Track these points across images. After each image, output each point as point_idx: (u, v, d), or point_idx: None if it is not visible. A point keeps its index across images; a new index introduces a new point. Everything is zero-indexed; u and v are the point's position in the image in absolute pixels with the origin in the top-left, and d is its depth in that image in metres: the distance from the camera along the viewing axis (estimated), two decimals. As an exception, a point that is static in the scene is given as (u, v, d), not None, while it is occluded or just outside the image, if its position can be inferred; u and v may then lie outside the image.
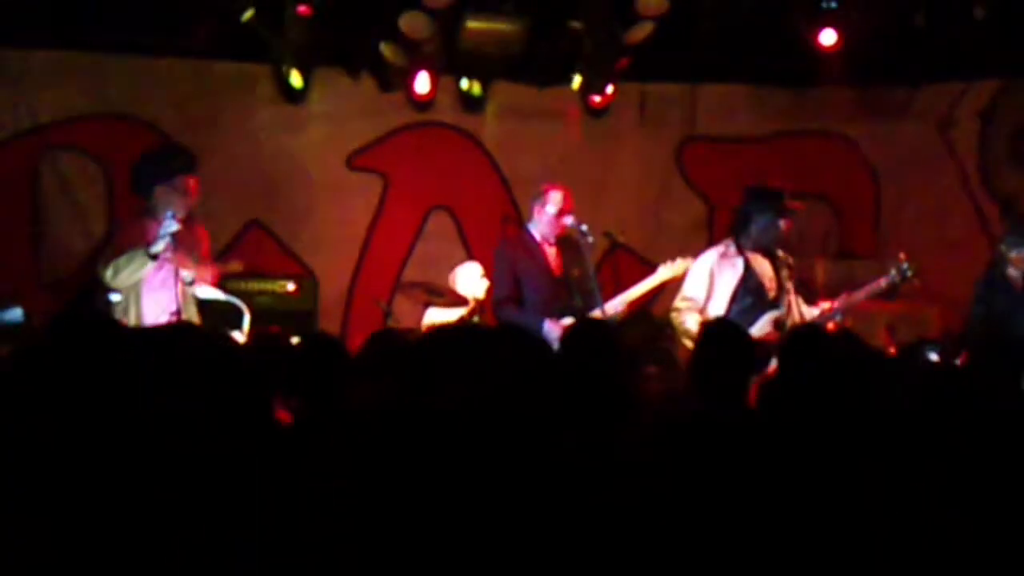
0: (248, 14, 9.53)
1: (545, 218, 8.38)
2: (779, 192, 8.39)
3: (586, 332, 5.98)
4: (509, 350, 4.22)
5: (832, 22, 10.13)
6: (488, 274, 9.18)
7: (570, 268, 8.29)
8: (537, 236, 8.45)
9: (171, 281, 7.61)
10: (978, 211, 11.27)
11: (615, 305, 8.31)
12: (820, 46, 10.19)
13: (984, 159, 11.32)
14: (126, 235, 7.93)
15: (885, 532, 3.02)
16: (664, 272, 8.54)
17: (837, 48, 10.19)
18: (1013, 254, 8.73)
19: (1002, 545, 2.91)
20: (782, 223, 8.28)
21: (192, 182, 7.91)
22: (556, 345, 6.98)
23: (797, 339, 5.66)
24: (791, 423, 3.72)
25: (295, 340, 6.35)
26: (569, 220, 8.29)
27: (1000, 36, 10.08)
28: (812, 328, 6.32)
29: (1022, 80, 11.02)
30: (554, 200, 8.38)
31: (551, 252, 8.43)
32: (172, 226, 7.58)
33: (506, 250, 8.53)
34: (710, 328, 6.14)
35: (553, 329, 7.90)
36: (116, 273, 7.69)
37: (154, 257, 7.62)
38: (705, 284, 8.25)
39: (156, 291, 7.74)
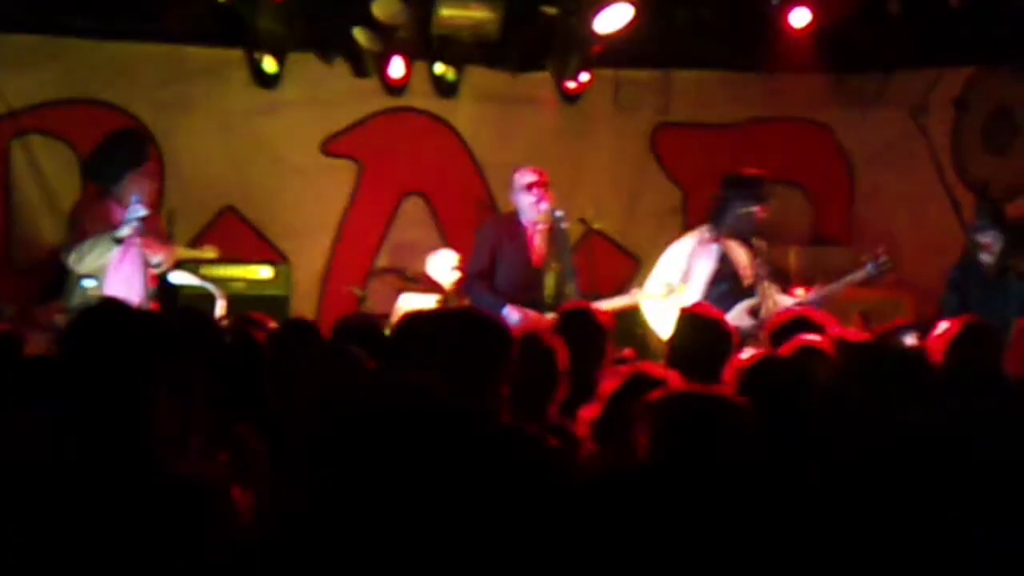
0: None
1: (523, 201, 8.40)
2: (756, 179, 8.40)
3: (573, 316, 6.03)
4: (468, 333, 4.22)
5: (806, 5, 10.10)
6: (463, 260, 9.19)
7: (551, 261, 8.27)
8: (524, 222, 8.46)
9: (138, 266, 7.57)
10: (952, 198, 11.28)
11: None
12: (793, 29, 10.15)
13: (958, 146, 11.34)
14: (90, 220, 7.88)
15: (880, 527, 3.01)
16: (644, 294, 8.45)
17: (810, 30, 10.15)
18: (981, 239, 8.78)
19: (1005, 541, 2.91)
20: (758, 210, 8.29)
21: (155, 167, 7.87)
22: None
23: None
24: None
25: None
26: (546, 207, 8.28)
27: (974, 23, 10.08)
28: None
29: (996, 67, 11.04)
30: (521, 177, 8.41)
31: (538, 240, 8.42)
32: (140, 211, 7.57)
33: (490, 229, 8.58)
34: (688, 314, 6.15)
35: (512, 313, 7.93)
36: (80, 258, 7.66)
37: (119, 241, 7.58)
38: (681, 270, 8.26)
39: (123, 276, 7.69)
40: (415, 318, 4.45)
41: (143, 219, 7.60)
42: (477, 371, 3.83)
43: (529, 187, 8.38)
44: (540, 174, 8.46)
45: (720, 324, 5.88)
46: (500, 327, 4.17)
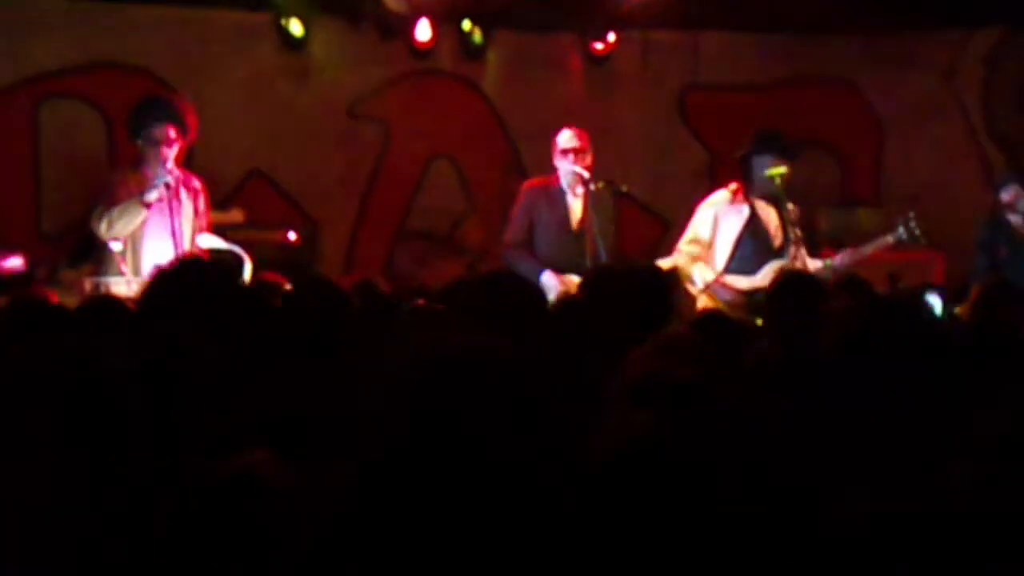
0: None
1: (562, 163, 8.31)
2: (777, 133, 8.33)
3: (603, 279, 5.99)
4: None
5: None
6: (489, 224, 9.20)
7: (591, 225, 8.17)
8: (564, 185, 8.37)
9: (167, 230, 7.58)
10: (983, 159, 11.23)
11: None
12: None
13: (989, 107, 11.28)
14: (123, 186, 7.88)
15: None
16: (677, 259, 8.35)
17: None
18: (1004, 196, 8.73)
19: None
20: (781, 166, 8.19)
21: (166, 131, 7.82)
22: (552, 296, 7.00)
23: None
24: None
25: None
26: (579, 170, 8.20)
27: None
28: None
29: (1026, 28, 10.97)
30: (561, 140, 8.33)
31: (575, 204, 8.33)
32: (165, 176, 7.59)
33: (528, 195, 8.47)
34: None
35: (551, 279, 7.89)
36: (111, 225, 7.66)
37: (147, 205, 7.62)
38: (709, 227, 8.19)
39: (154, 240, 7.71)
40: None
41: (169, 184, 7.60)
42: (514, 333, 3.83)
43: (565, 152, 8.29)
44: (581, 138, 8.35)
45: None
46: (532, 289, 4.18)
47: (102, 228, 7.69)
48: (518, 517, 2.33)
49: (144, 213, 7.66)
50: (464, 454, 2.34)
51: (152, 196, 7.61)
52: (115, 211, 7.67)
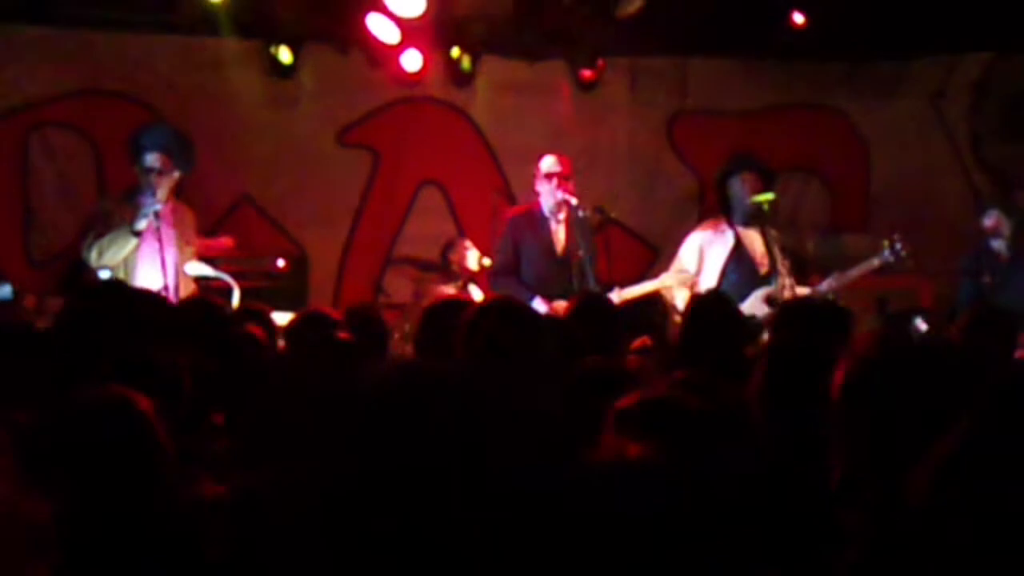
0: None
1: (544, 188, 8.33)
2: (745, 154, 8.38)
3: (591, 305, 6.03)
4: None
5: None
6: (479, 248, 9.22)
7: (576, 249, 8.19)
8: (546, 211, 8.39)
9: (157, 258, 7.58)
10: (969, 184, 11.26)
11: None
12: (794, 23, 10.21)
13: (976, 132, 11.31)
14: (114, 215, 7.90)
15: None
16: (667, 279, 8.39)
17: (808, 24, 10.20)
18: (986, 222, 8.77)
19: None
20: (744, 178, 8.23)
21: (155, 160, 7.84)
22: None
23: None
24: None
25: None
26: (563, 197, 8.23)
27: (991, 9, 10.03)
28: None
29: (1013, 53, 10.99)
30: (545, 165, 8.35)
31: (558, 230, 8.36)
32: (154, 205, 7.61)
33: (511, 223, 8.48)
34: (699, 302, 6.13)
35: (541, 306, 7.90)
36: (101, 254, 7.69)
37: (137, 234, 7.64)
38: (695, 259, 8.24)
39: (145, 268, 7.73)
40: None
41: (158, 212, 7.62)
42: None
43: (549, 177, 8.32)
44: (563, 164, 8.38)
45: (733, 310, 5.87)
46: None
47: (92, 256, 7.72)
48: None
49: (134, 241, 7.68)
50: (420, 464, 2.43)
51: (141, 225, 7.64)
52: (105, 240, 7.70)
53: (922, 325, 7.87)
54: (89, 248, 7.76)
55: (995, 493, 2.42)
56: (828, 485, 2.96)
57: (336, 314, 5.89)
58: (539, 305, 7.93)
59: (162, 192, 7.75)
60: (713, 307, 5.88)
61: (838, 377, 2.96)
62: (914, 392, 2.89)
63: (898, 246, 8.18)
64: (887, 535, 2.66)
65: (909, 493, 2.56)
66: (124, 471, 2.83)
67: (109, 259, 7.68)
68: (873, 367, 2.98)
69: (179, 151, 8.01)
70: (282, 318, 6.21)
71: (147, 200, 7.67)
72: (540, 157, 8.53)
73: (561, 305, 7.75)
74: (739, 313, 5.98)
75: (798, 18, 10.19)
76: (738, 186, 8.29)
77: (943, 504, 2.48)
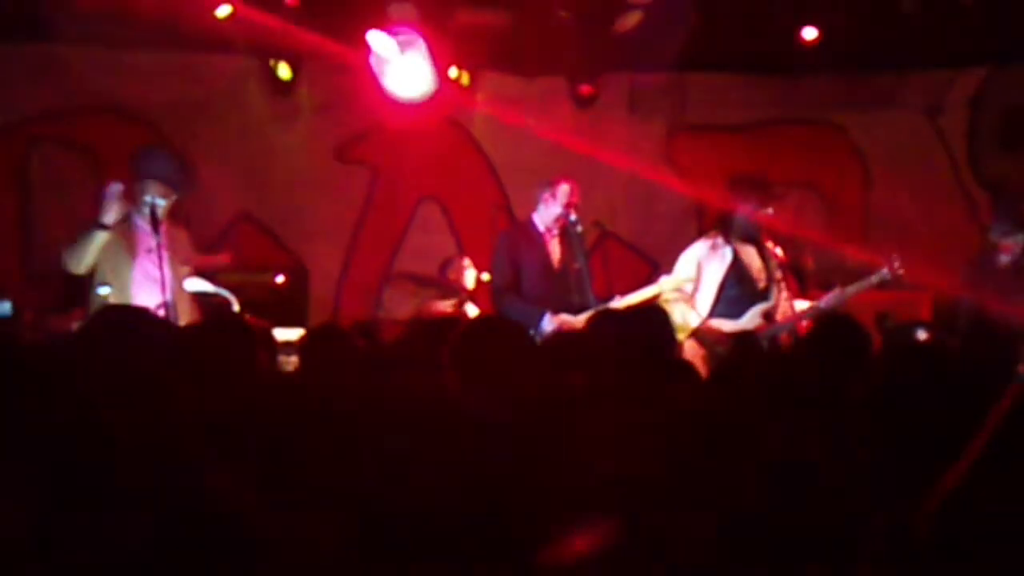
0: (226, 11, 9.45)
1: (552, 210, 8.26)
2: (761, 181, 8.37)
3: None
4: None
5: (819, 10, 10.11)
6: (478, 264, 9.20)
7: (571, 262, 8.18)
8: (541, 227, 8.34)
9: (156, 274, 7.51)
10: (967, 198, 11.28)
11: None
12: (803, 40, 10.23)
13: (973, 146, 11.33)
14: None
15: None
16: (665, 283, 8.38)
17: (820, 39, 10.21)
18: (1002, 241, 8.74)
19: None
20: (765, 212, 8.25)
21: (155, 190, 7.76)
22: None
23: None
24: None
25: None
26: (562, 213, 8.22)
27: (988, 23, 10.06)
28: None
29: (1010, 67, 11.02)
30: (563, 193, 8.25)
31: (554, 244, 8.33)
32: (115, 191, 7.42)
33: (506, 240, 8.44)
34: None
35: (552, 322, 7.87)
36: (72, 253, 7.51)
37: (104, 227, 7.45)
38: (693, 269, 8.22)
39: (142, 286, 7.64)
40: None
41: (122, 210, 7.47)
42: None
43: (568, 205, 8.22)
44: (576, 192, 8.31)
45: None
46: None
47: (71, 262, 7.53)
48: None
49: (102, 235, 7.44)
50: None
51: (108, 218, 7.42)
52: (76, 242, 7.52)
53: (922, 336, 7.86)
54: (64, 255, 7.58)
55: (1001, 528, 2.43)
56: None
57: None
58: (549, 322, 7.89)
59: (161, 214, 7.66)
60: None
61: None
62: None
63: (896, 264, 8.18)
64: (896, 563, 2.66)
65: (917, 524, 2.56)
66: None
67: (80, 256, 7.44)
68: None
69: (179, 179, 7.93)
70: (282, 334, 6.21)
71: (110, 192, 7.47)
72: (559, 176, 8.40)
73: (569, 320, 7.76)
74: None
75: (810, 33, 10.19)
76: (751, 213, 8.26)
77: (950, 538, 2.49)
